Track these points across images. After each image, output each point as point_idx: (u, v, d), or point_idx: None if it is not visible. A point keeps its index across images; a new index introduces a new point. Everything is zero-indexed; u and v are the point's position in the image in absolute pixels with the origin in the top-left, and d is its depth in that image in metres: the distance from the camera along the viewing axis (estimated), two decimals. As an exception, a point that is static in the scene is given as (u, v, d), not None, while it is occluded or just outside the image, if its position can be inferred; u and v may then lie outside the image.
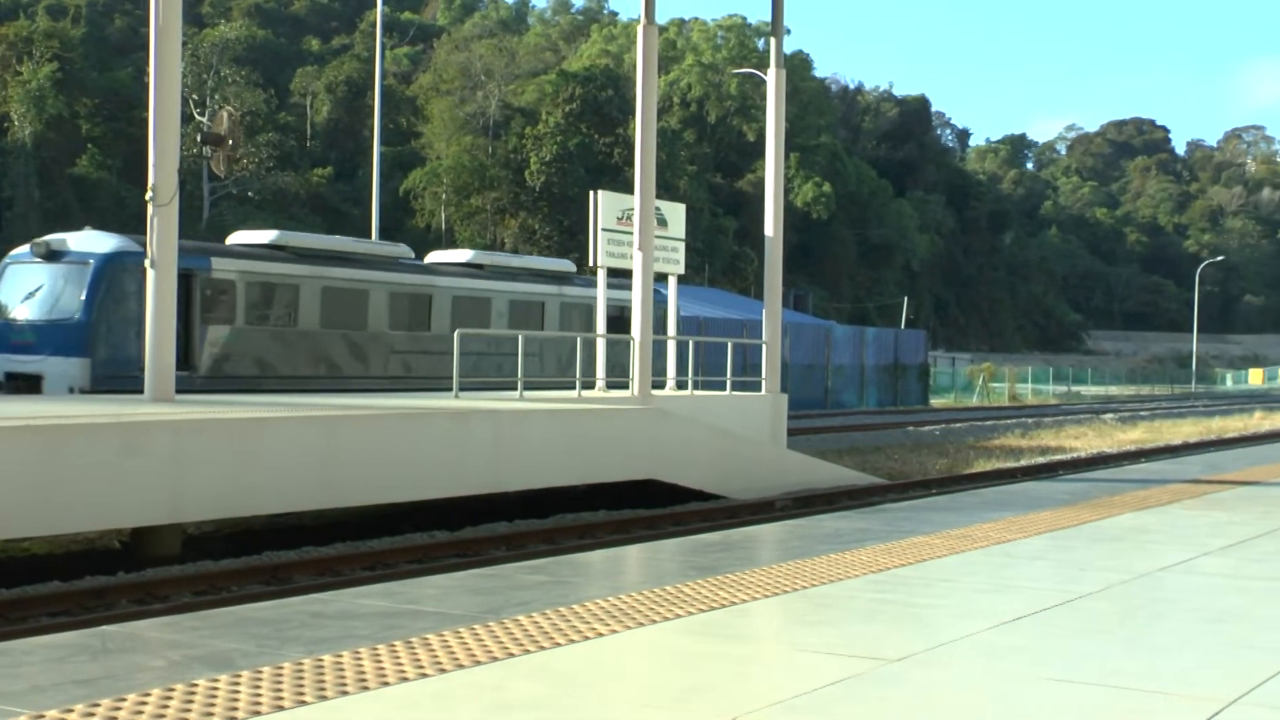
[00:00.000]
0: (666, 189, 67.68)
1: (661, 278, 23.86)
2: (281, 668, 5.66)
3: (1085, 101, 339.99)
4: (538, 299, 28.95)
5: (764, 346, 24.18)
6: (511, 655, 6.02)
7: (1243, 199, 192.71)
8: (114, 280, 22.20)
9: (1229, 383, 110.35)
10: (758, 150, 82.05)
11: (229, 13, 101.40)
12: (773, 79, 23.97)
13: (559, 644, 6.28)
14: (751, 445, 21.27)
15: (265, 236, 25.73)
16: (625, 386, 21.88)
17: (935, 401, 59.29)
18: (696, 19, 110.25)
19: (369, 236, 39.58)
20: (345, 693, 5.28)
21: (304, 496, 14.24)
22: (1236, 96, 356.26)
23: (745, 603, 7.51)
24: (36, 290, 22.83)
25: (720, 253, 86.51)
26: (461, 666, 5.77)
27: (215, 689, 5.27)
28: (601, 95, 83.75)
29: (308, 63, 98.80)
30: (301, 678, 5.50)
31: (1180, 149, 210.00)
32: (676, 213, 24.29)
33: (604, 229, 22.09)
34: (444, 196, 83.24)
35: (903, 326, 77.30)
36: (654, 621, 6.89)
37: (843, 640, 6.52)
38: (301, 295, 24.58)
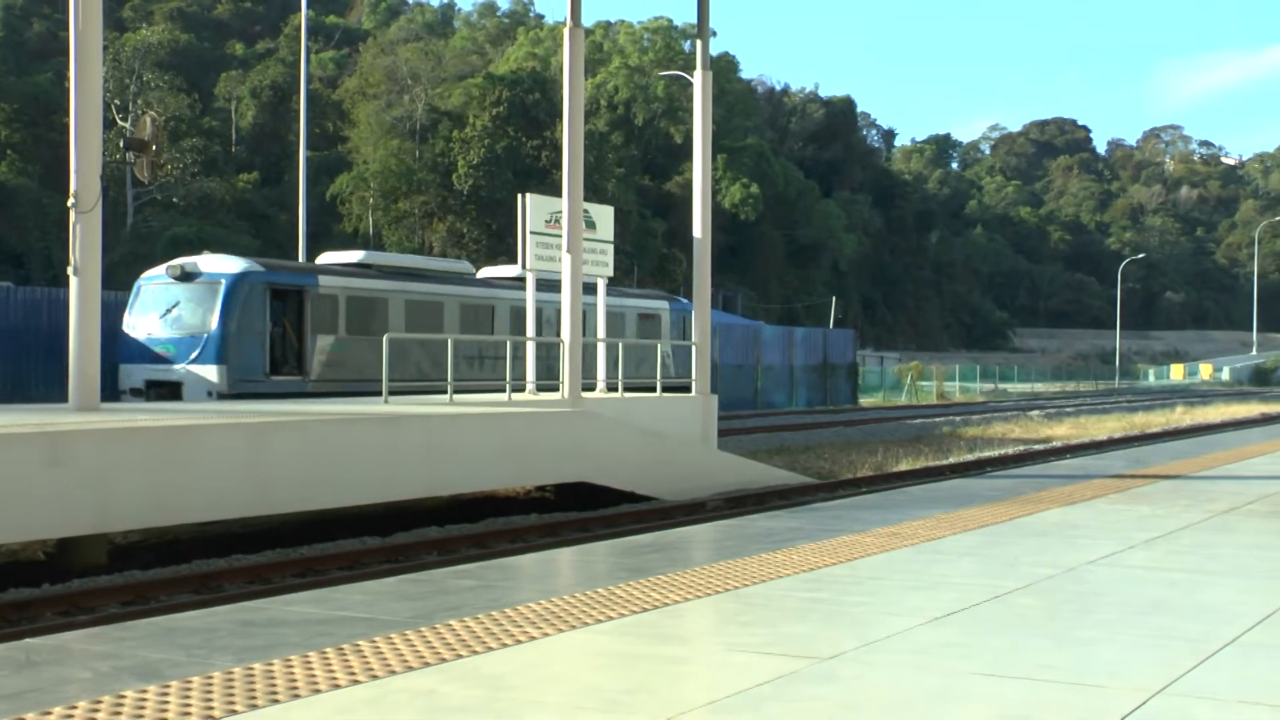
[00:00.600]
0: (594, 191, 67.66)
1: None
2: (211, 677, 5.61)
3: (1008, 102, 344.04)
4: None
5: (693, 348, 24.22)
6: (444, 660, 5.99)
7: (1162, 197, 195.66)
8: (243, 297, 25.44)
9: (1151, 379, 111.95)
10: (685, 152, 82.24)
11: (150, 16, 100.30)
12: (699, 81, 24.02)
13: (491, 648, 6.27)
14: (682, 446, 21.31)
15: (354, 256, 29.64)
16: (556, 389, 21.87)
17: (864, 400, 59.65)
18: (623, 21, 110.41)
19: (296, 241, 39.47)
20: (276, 701, 5.24)
21: (232, 504, 14.11)
22: (1155, 97, 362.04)
23: (678, 603, 7.52)
24: (173, 307, 25.85)
25: (649, 254, 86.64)
26: (394, 672, 5.74)
27: (144, 700, 5.21)
28: (528, 98, 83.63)
29: (232, 67, 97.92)
30: (232, 687, 5.45)
31: (1101, 148, 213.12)
32: (605, 215, 24.30)
33: (532, 232, 22.06)
34: (371, 201, 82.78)
35: (831, 326, 77.77)
36: (586, 624, 6.89)
37: (775, 639, 6.55)
38: (390, 308, 28.13)
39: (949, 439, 33.87)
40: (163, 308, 26.03)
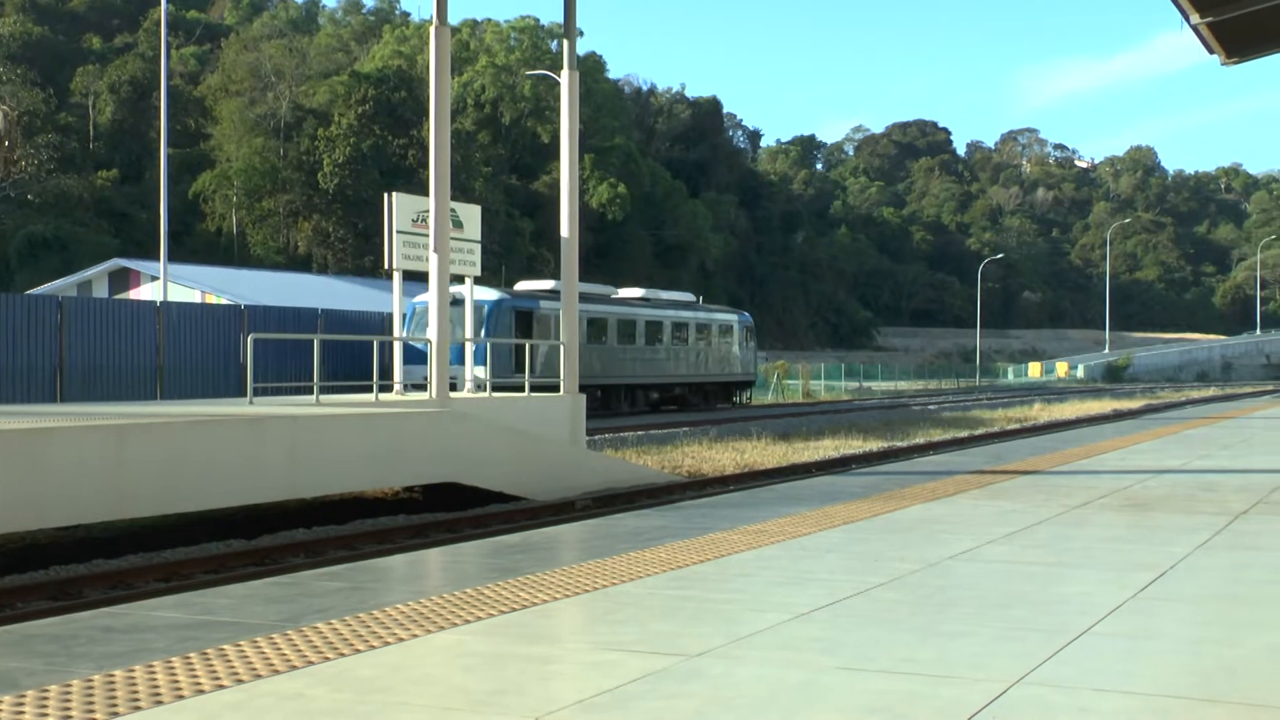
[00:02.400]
0: (462, 191, 67.36)
1: (458, 279, 23.88)
2: (70, 685, 5.51)
3: (871, 103, 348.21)
4: (684, 320, 46.80)
5: (562, 347, 24.24)
6: (311, 664, 5.95)
7: (1019, 199, 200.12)
8: (499, 318, 36.11)
9: (1011, 376, 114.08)
10: (553, 151, 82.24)
11: (1, 8, 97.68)
12: (566, 80, 24.02)
13: (360, 650, 6.23)
14: (551, 446, 21.32)
15: (546, 284, 40.88)
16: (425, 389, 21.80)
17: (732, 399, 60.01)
18: (489, 20, 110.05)
19: (158, 240, 39.15)
20: (138, 708, 5.16)
21: (92, 508, 13.82)
22: (1011, 100, 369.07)
23: (547, 603, 7.54)
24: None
25: (517, 254, 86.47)
26: (260, 676, 5.69)
27: None
28: (395, 97, 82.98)
29: (89, 61, 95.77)
30: (91, 695, 5.35)
31: (961, 150, 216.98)
32: (472, 214, 24.20)
33: (399, 231, 21.91)
34: (235, 199, 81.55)
35: (699, 326, 78.03)
36: (455, 624, 6.88)
37: (644, 637, 6.59)
38: (580, 324, 36.50)
39: (812, 437, 34.24)
40: None
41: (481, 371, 32.03)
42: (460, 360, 32.13)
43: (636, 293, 47.07)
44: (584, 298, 39.05)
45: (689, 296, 51.36)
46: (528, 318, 37.92)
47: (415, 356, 32.98)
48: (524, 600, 7.59)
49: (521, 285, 41.44)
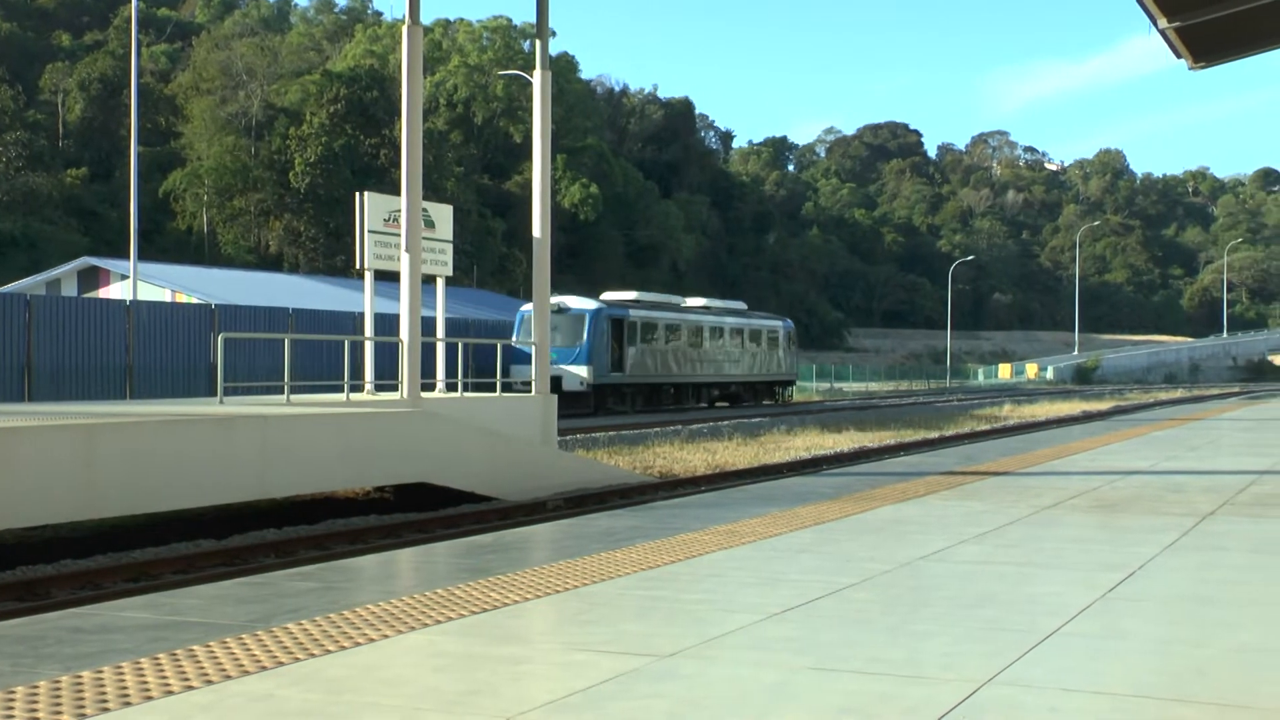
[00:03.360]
0: (434, 190, 67.20)
1: (430, 279, 23.83)
2: (36, 686, 5.47)
3: (842, 105, 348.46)
4: (738, 326, 53.55)
5: (533, 348, 24.22)
6: (282, 664, 5.92)
7: (990, 201, 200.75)
8: (597, 325, 42.72)
9: (981, 378, 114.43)
10: (525, 151, 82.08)
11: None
12: (538, 80, 24.00)
13: (330, 651, 6.21)
14: (523, 446, 21.28)
15: (629, 295, 49.04)
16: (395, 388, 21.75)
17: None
18: (462, 20, 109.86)
19: (128, 238, 39.03)
20: (106, 709, 5.12)
21: (61, 508, 13.73)
22: (982, 103, 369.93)
23: (519, 603, 7.52)
24: (553, 330, 37.42)
25: (489, 254, 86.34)
26: (230, 677, 5.66)
27: (-32, 710, 5.06)
28: (367, 96, 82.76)
29: (58, 58, 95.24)
30: (59, 696, 5.32)
31: (932, 152, 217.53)
32: (444, 214, 24.17)
33: (371, 231, 21.86)
34: (206, 198, 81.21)
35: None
36: (427, 625, 6.86)
37: (616, 638, 6.59)
38: (657, 328, 46.81)
39: (785, 437, 34.27)
40: None
41: (585, 371, 41.20)
42: (568, 361, 41.17)
43: (699, 302, 53.69)
44: (660, 306, 49.13)
45: (741, 305, 58.87)
46: (620, 324, 44.52)
47: (521, 358, 38.48)
48: (496, 600, 7.57)
49: (609, 295, 48.28)
